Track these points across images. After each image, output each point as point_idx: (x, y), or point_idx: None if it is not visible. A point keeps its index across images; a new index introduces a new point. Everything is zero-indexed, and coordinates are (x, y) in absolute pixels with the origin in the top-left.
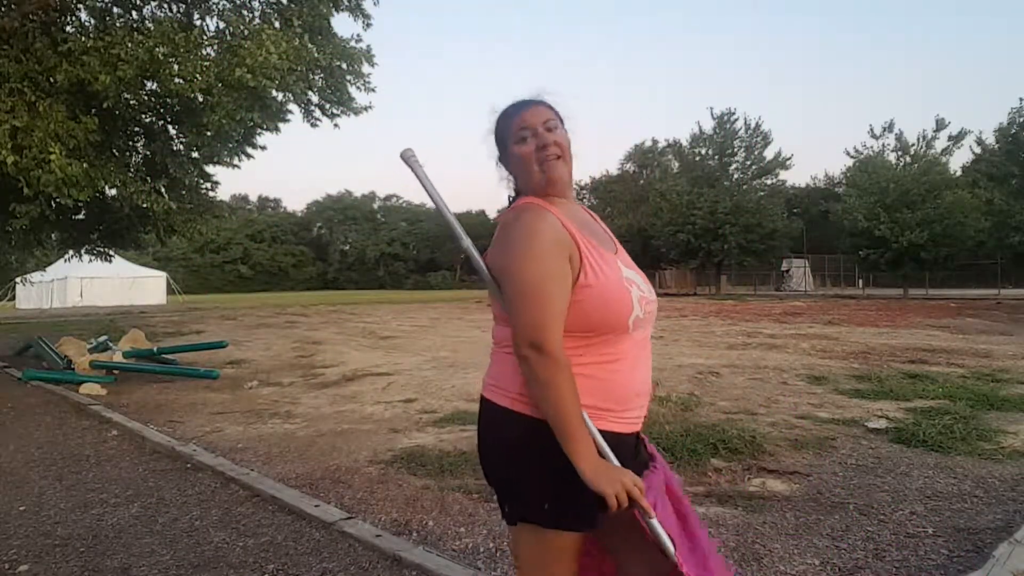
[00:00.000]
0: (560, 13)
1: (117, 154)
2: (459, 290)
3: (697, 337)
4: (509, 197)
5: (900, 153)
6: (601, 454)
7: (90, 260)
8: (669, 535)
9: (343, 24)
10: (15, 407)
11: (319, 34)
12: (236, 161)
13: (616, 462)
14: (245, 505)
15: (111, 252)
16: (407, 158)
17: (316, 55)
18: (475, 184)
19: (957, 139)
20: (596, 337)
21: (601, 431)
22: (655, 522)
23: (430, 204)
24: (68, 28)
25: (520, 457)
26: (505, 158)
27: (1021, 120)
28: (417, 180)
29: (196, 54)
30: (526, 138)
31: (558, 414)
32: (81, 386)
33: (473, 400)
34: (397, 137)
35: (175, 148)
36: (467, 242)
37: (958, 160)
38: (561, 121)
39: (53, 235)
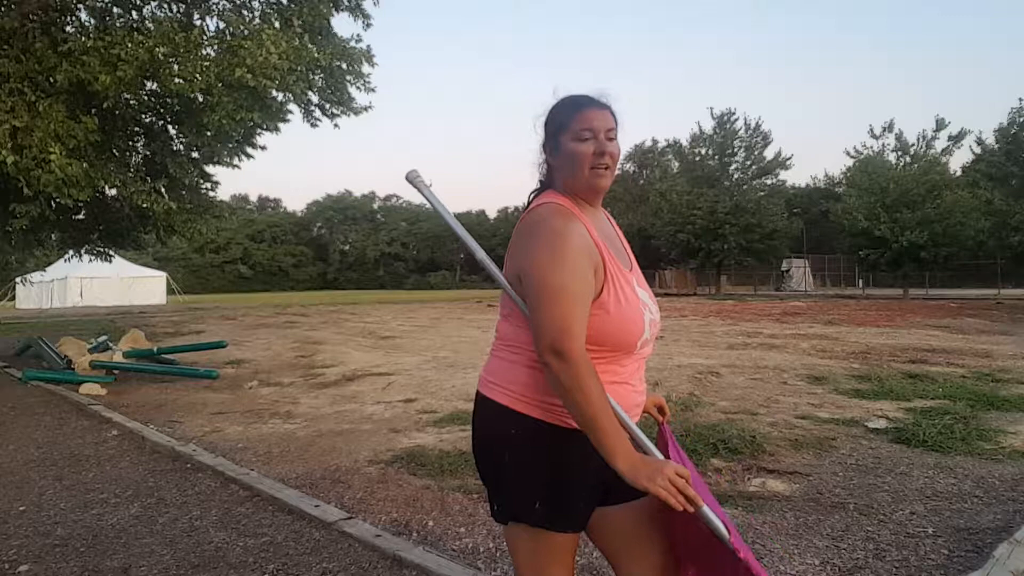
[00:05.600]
0: (560, 13)
1: (117, 154)
2: (459, 290)
3: (697, 337)
4: (540, 181)
5: (900, 153)
6: (642, 449)
7: (90, 260)
8: (723, 521)
9: (343, 24)
10: (15, 407)
11: (319, 34)
12: (236, 161)
13: (659, 454)
14: (245, 505)
15: (111, 252)
16: (412, 179)
17: (316, 55)
18: (475, 184)
19: (957, 139)
20: (603, 353)
21: None
22: (705, 509)
23: (440, 214)
24: (68, 28)
25: (514, 456)
26: (551, 145)
27: (1021, 120)
28: (426, 200)
29: (196, 54)
30: (587, 139)
31: (588, 417)
32: (81, 386)
33: (473, 400)
34: (398, 137)
35: (175, 148)
36: (481, 254)
37: (958, 160)
38: (617, 130)
39: (53, 235)
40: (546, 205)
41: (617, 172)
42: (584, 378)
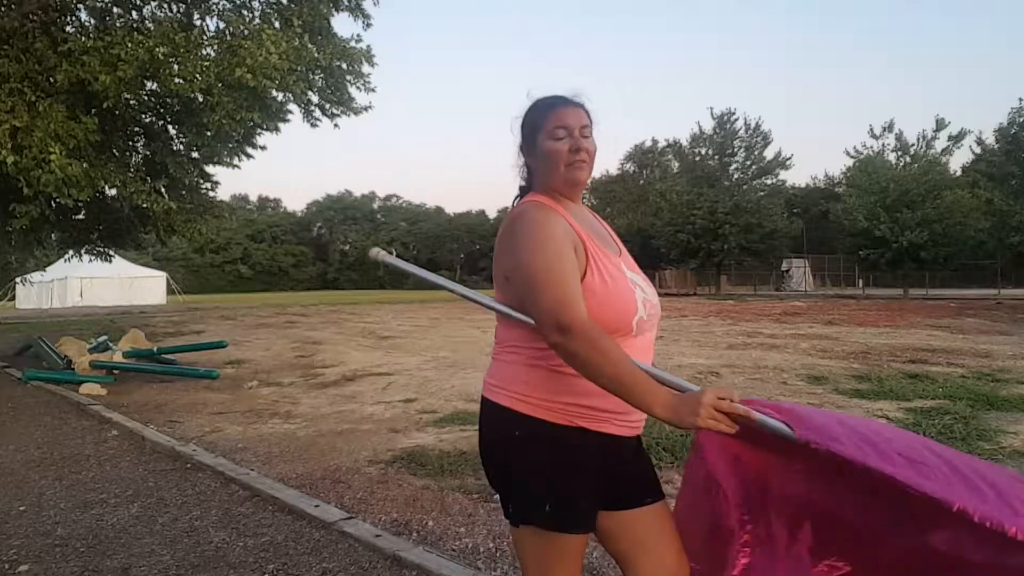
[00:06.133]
0: (559, 14)
1: (117, 154)
2: None
3: (697, 337)
4: (520, 188)
5: (900, 153)
6: (677, 388)
7: (90, 260)
8: (783, 421)
9: (343, 24)
10: (15, 407)
11: (319, 34)
12: (236, 161)
13: (692, 387)
14: (245, 505)
15: (111, 252)
16: (375, 256)
17: (316, 55)
18: (476, 184)
19: (957, 139)
20: None
21: (604, 434)
22: (760, 416)
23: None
24: (68, 28)
25: (521, 458)
26: (529, 147)
27: (1021, 120)
28: (403, 270)
29: (196, 54)
30: (561, 137)
31: (613, 378)
32: (81, 386)
33: (473, 400)
34: (397, 137)
35: (175, 148)
36: (472, 293)
37: (958, 160)
38: (591, 127)
39: (53, 235)
40: (525, 203)
41: (617, 172)
42: (596, 341)
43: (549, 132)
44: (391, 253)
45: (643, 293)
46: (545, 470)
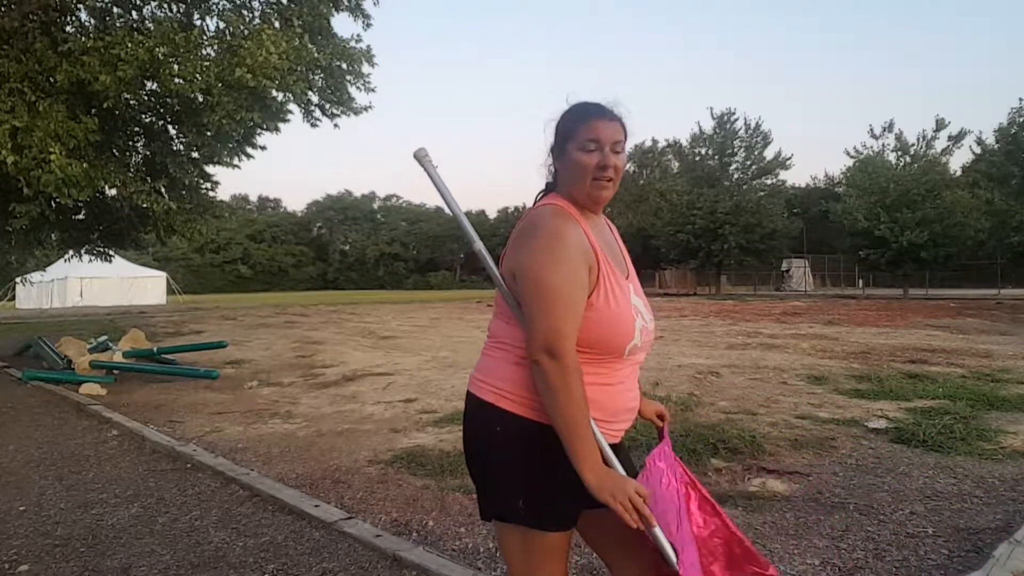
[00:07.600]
0: (559, 13)
1: (117, 154)
2: (459, 290)
3: (697, 337)
4: (547, 184)
5: (900, 153)
6: (606, 462)
7: (90, 260)
8: (671, 542)
9: (343, 24)
10: (15, 407)
11: (319, 34)
12: (236, 161)
13: (621, 470)
14: (245, 505)
15: (111, 252)
16: (420, 158)
17: (316, 55)
18: (475, 184)
19: (957, 139)
20: (591, 354)
21: None
22: (657, 530)
23: (439, 203)
24: (68, 28)
25: (499, 453)
26: (559, 151)
27: (1021, 120)
28: (430, 180)
29: (196, 54)
30: (591, 150)
31: (567, 421)
32: (81, 386)
33: None
34: (397, 137)
35: (175, 148)
36: (479, 244)
37: (958, 160)
38: (625, 142)
39: (53, 235)
40: (547, 206)
41: None
42: (572, 380)
43: (580, 142)
44: (433, 162)
45: (643, 321)
46: (521, 467)
